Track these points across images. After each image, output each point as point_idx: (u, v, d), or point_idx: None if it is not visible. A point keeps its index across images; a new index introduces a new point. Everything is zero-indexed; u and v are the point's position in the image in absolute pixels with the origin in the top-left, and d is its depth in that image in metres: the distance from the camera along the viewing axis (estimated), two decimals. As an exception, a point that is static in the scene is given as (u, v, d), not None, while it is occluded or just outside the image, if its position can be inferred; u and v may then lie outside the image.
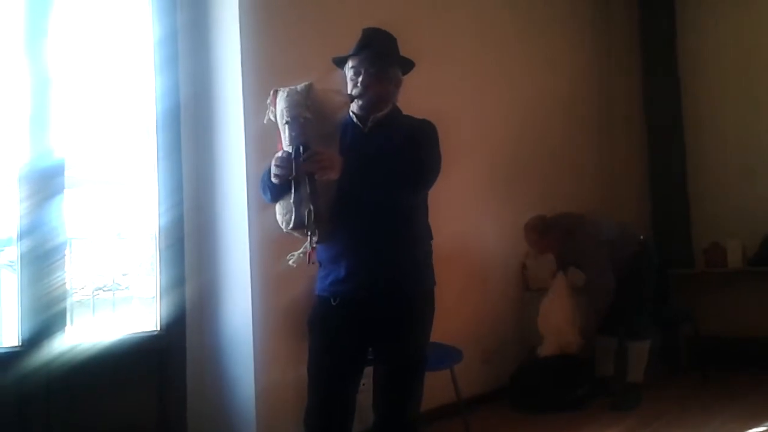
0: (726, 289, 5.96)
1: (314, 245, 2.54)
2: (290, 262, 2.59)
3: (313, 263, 2.62)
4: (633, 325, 4.85)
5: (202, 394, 3.65)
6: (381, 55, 2.65)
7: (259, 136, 3.42)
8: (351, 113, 2.68)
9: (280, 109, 2.48)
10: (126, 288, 3.75)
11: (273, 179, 2.46)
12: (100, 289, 3.66)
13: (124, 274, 3.75)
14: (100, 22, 3.66)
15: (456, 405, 3.98)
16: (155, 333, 3.57)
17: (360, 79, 2.62)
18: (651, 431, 4.14)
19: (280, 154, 2.45)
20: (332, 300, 2.61)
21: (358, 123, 2.67)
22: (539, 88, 5.70)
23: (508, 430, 4.38)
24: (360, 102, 2.64)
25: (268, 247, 3.47)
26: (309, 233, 2.47)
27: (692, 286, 5.99)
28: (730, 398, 4.84)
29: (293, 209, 2.42)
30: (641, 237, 5.03)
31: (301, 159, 2.37)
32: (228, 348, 3.61)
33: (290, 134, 2.43)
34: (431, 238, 2.73)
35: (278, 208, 2.54)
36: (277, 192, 2.52)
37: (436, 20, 4.81)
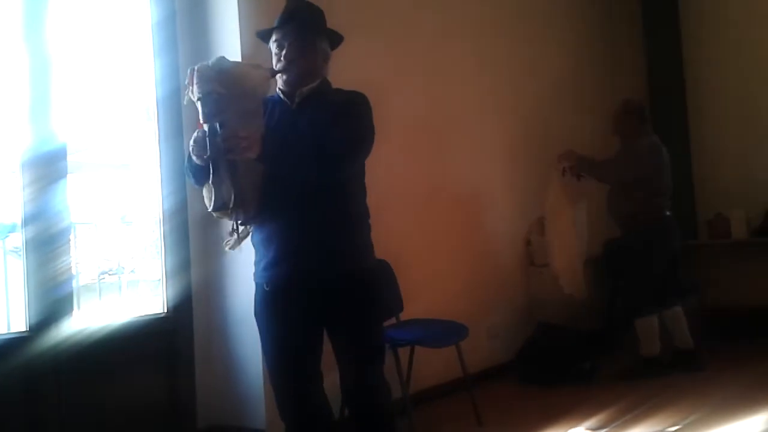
0: (730, 260, 5.96)
1: (239, 228, 2.44)
2: (227, 248, 2.51)
3: (238, 247, 2.51)
4: (635, 301, 4.85)
5: (211, 374, 3.68)
6: (305, 27, 2.51)
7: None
8: (278, 90, 2.55)
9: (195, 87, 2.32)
10: (132, 271, 3.76)
11: (194, 160, 2.33)
12: (105, 273, 3.67)
13: (129, 258, 3.76)
14: (98, 6, 3.65)
15: (463, 380, 3.99)
16: (162, 315, 3.59)
17: (284, 53, 2.48)
18: (657, 402, 4.15)
19: (196, 133, 2.30)
20: (265, 285, 2.51)
21: (286, 99, 2.53)
22: (545, 61, 5.67)
23: (515, 404, 4.40)
24: (284, 77, 2.49)
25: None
26: (233, 215, 2.36)
27: (696, 258, 6.00)
28: (737, 369, 4.84)
29: (212, 190, 2.31)
30: (667, 213, 4.91)
31: (217, 138, 2.22)
32: (235, 328, 3.63)
33: (203, 111, 2.26)
34: (367, 216, 2.60)
35: (204, 190, 2.41)
36: (198, 174, 2.39)
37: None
